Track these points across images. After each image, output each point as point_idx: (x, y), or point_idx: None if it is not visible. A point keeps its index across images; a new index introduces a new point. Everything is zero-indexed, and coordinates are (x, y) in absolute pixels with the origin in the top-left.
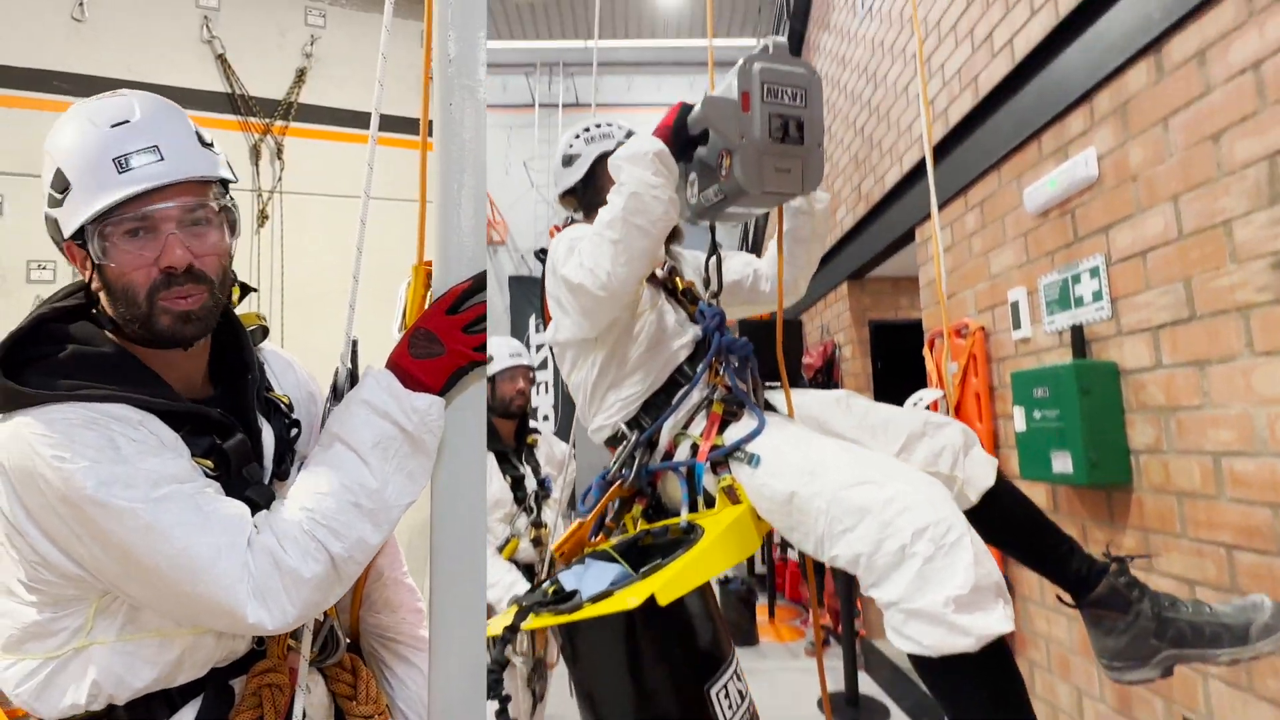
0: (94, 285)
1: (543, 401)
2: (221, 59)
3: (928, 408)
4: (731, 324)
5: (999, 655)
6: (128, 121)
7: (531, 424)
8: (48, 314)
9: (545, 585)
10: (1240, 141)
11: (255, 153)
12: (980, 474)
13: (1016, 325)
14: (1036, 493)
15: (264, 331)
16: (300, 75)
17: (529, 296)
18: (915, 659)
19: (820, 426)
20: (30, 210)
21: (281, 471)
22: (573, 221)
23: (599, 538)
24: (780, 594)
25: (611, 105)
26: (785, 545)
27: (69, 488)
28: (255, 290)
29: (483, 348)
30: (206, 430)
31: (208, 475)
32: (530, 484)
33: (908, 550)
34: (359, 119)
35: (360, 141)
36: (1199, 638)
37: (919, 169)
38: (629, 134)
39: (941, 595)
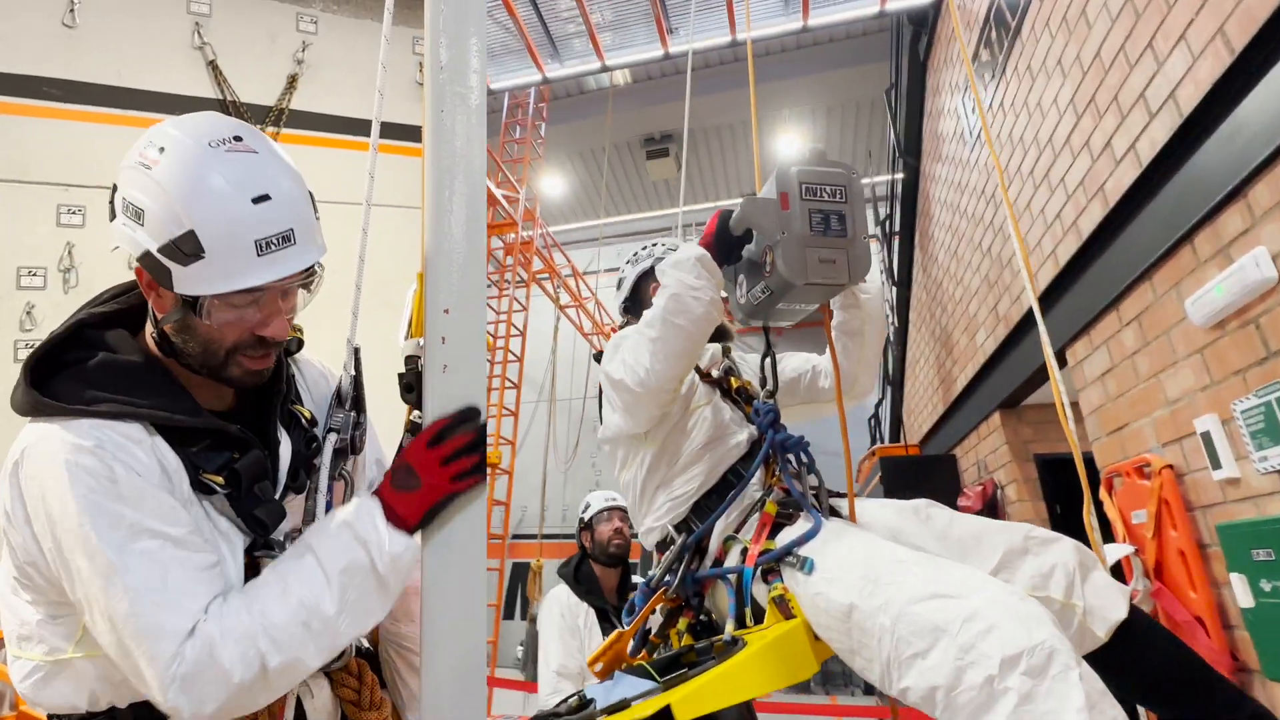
0: (161, 314)
1: None
2: (213, 65)
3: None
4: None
5: None
6: (269, 198)
7: (635, 577)
8: (87, 319)
9: (570, 699)
10: None
11: None
12: (1108, 603)
13: (1215, 463)
14: None
15: (299, 343)
16: (292, 81)
17: None
18: None
19: (895, 540)
20: (20, 216)
21: (297, 485)
22: (626, 326)
23: (641, 654)
24: None
25: None
26: None
27: (60, 510)
28: None
29: (469, 473)
30: (226, 445)
31: (219, 490)
32: None
33: (997, 685)
34: (350, 124)
35: (351, 147)
36: None
37: (1056, 285)
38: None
39: None
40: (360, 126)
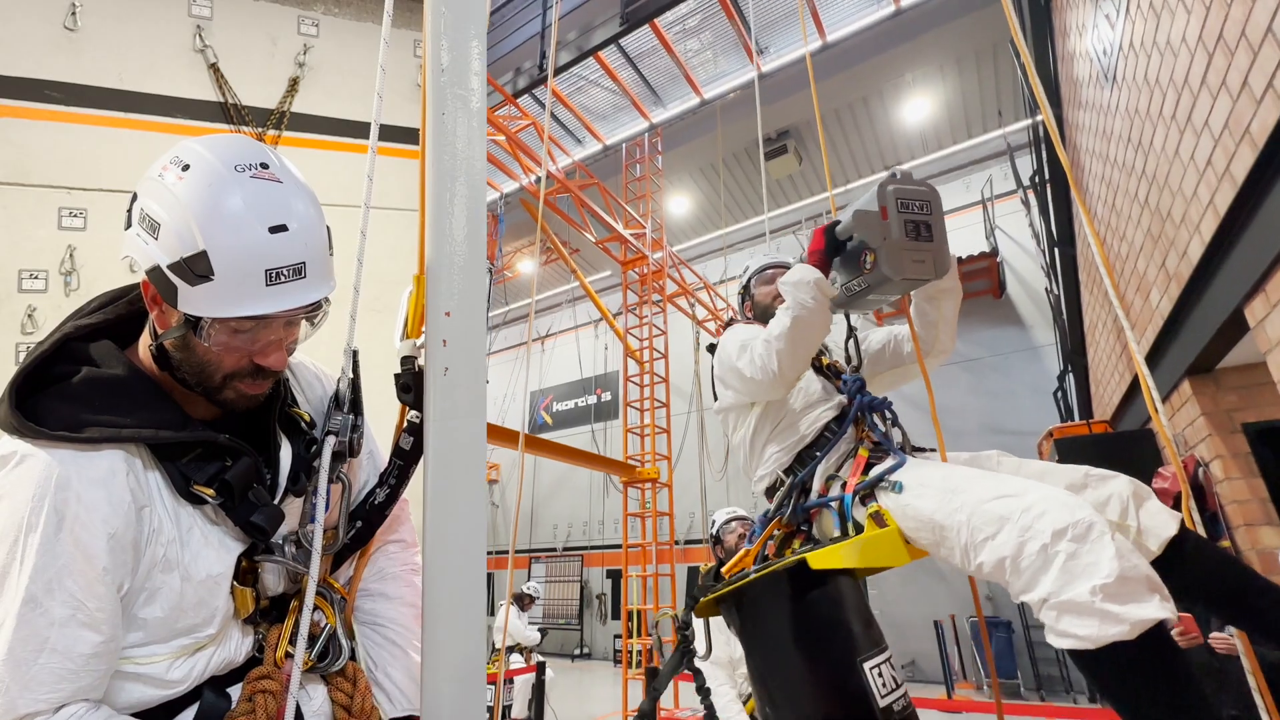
0: (163, 330)
1: None
2: (214, 68)
3: None
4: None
5: (1162, 647)
6: (286, 228)
7: None
8: (72, 332)
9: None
10: None
11: None
12: (1159, 522)
13: None
14: None
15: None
16: (293, 84)
17: None
18: (1079, 659)
19: None
20: (22, 219)
21: (296, 489)
22: (732, 322)
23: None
24: None
25: None
26: None
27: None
28: None
29: None
30: (216, 454)
31: (210, 502)
32: None
33: (1049, 550)
34: (351, 128)
35: (351, 150)
36: None
37: (1221, 236)
38: (770, 265)
39: (1088, 585)
40: (362, 129)
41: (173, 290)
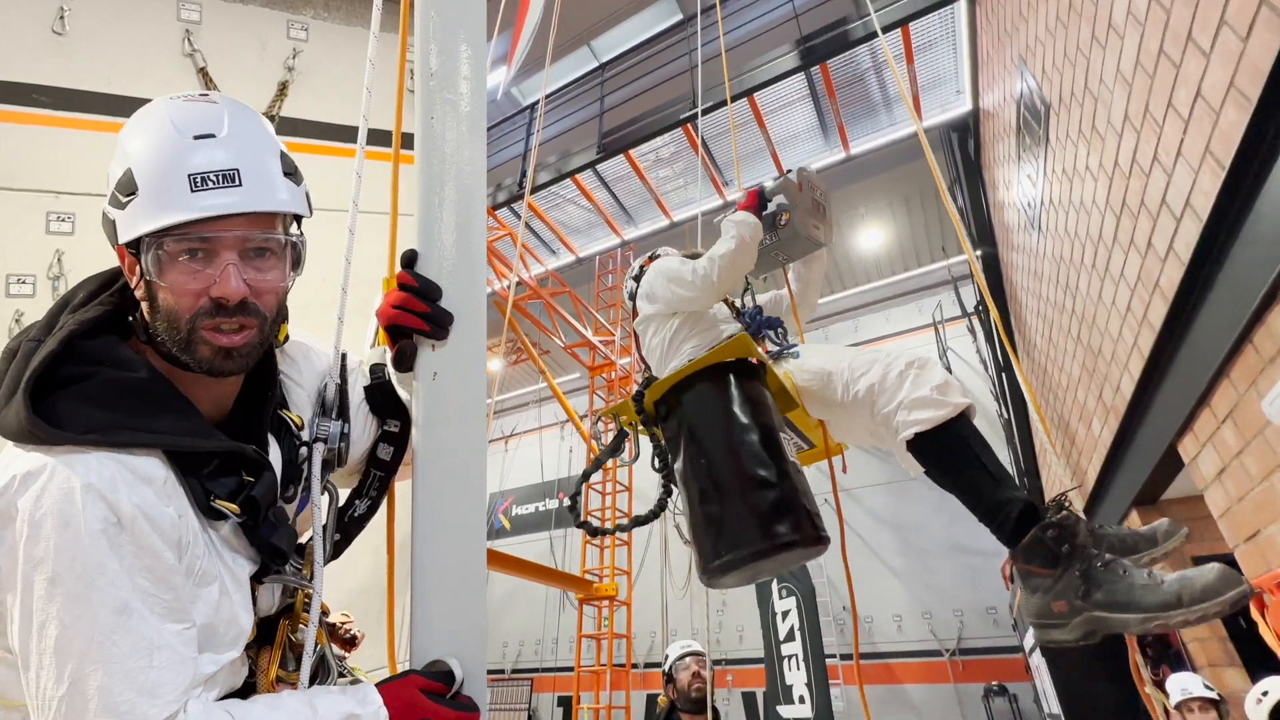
0: (138, 294)
1: None
2: (203, 72)
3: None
4: None
5: (972, 427)
6: (213, 135)
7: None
8: (78, 330)
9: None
10: None
11: None
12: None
13: None
14: None
15: (286, 338)
16: (282, 88)
17: None
18: (919, 447)
19: None
20: (9, 224)
21: (287, 496)
22: (655, 257)
23: None
24: None
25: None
26: None
27: (52, 552)
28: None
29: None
30: (235, 467)
31: (230, 519)
32: None
33: (904, 373)
34: (341, 132)
35: (341, 155)
36: (1124, 546)
37: (1148, 378)
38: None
39: (929, 386)
40: (351, 133)
41: (114, 228)
